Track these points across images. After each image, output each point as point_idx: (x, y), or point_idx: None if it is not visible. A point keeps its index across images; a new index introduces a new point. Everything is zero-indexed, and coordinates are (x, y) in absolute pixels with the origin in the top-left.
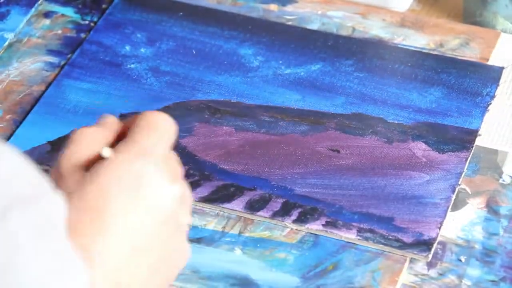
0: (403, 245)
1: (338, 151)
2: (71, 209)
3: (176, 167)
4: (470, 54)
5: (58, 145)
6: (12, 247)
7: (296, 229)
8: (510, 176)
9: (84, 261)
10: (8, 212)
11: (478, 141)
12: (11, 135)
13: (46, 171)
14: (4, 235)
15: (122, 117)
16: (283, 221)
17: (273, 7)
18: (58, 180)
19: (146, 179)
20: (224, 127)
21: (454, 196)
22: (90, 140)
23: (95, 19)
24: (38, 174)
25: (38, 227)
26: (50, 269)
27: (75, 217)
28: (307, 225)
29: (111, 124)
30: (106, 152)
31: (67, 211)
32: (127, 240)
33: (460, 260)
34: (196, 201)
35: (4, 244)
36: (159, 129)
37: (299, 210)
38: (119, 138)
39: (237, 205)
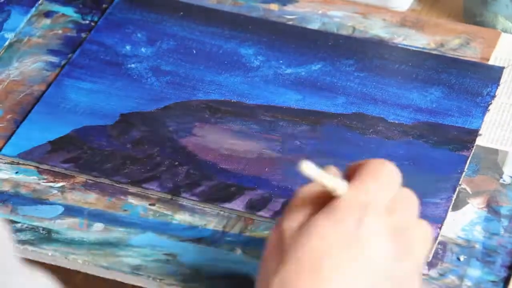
0: None
1: (339, 151)
2: (287, 266)
3: (402, 214)
4: (471, 54)
5: (58, 145)
6: None
7: None
8: (510, 176)
9: None
10: None
11: (479, 141)
12: (11, 135)
13: (47, 171)
14: None
15: (122, 116)
16: None
17: (274, 6)
18: (278, 239)
19: (363, 233)
20: (225, 127)
21: (454, 196)
22: (311, 196)
23: (96, 19)
24: (9, 255)
25: None
26: None
27: (292, 275)
28: None
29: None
30: (342, 187)
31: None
32: None
33: (459, 259)
34: (197, 201)
35: None
36: (383, 175)
37: None
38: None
39: (238, 205)
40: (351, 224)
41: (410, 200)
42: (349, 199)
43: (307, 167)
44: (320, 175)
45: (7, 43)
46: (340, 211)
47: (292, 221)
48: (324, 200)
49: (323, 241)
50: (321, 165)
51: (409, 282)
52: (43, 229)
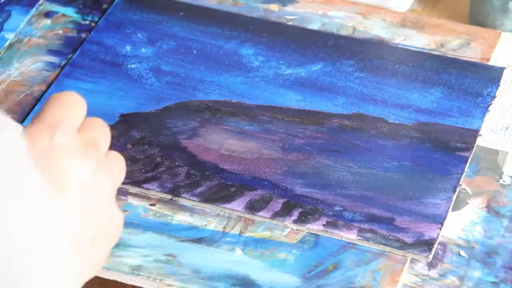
0: (404, 245)
1: (339, 152)
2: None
3: (90, 138)
4: (471, 54)
5: None
6: None
7: (297, 229)
8: (510, 176)
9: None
10: None
11: (479, 142)
12: None
13: None
14: None
15: (122, 117)
16: (283, 221)
17: (274, 7)
18: None
19: (53, 156)
20: (225, 127)
21: (454, 197)
22: None
23: (96, 19)
24: None
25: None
26: (18, 200)
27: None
28: (308, 225)
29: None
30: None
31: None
32: (72, 204)
33: (459, 254)
34: (197, 201)
35: None
36: (66, 105)
37: (300, 210)
38: None
39: (238, 205)
40: (42, 143)
41: (99, 123)
42: (36, 124)
43: None
44: None
45: (7, 43)
46: (28, 136)
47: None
48: None
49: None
50: (322, 165)
51: (109, 201)
52: None
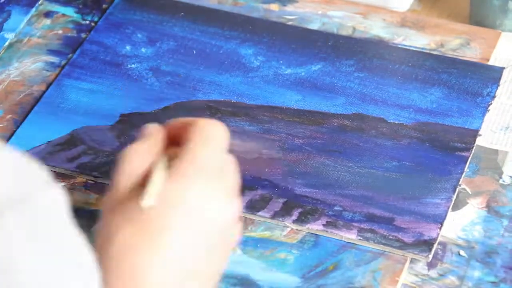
0: (404, 245)
1: (339, 152)
2: (128, 228)
3: (230, 179)
4: (471, 54)
5: (58, 145)
6: (9, 248)
7: (297, 229)
8: (510, 176)
9: (141, 279)
10: (2, 213)
11: (479, 141)
12: (11, 135)
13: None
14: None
15: (122, 117)
16: (283, 221)
17: (274, 7)
18: (116, 197)
19: (198, 203)
20: None
21: (454, 196)
22: (141, 156)
23: (96, 19)
24: (33, 169)
25: (34, 226)
26: (49, 269)
27: (133, 236)
28: (308, 225)
29: (157, 134)
30: (147, 202)
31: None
32: (182, 257)
33: (459, 254)
34: None
35: (2, 247)
36: (214, 139)
37: (300, 210)
38: (169, 143)
39: None
40: (184, 190)
41: (235, 166)
42: (182, 167)
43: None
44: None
45: (7, 43)
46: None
47: (129, 180)
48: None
49: (163, 206)
50: (322, 165)
51: (234, 242)
52: None
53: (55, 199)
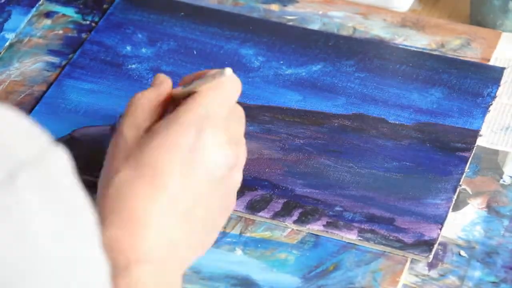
0: (404, 246)
1: (340, 152)
2: (127, 170)
3: (236, 128)
4: (471, 54)
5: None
6: (25, 213)
7: (297, 230)
8: (510, 176)
9: (139, 221)
10: (16, 176)
11: (479, 142)
12: None
13: None
14: (15, 201)
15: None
16: (284, 222)
17: (274, 7)
18: (119, 143)
19: (202, 144)
20: None
21: (455, 197)
22: (149, 104)
23: (96, 19)
24: (35, 129)
25: (47, 188)
26: (64, 232)
27: (132, 178)
28: (308, 226)
29: (166, 84)
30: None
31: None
32: (181, 200)
33: (460, 254)
34: None
35: (17, 211)
36: (225, 90)
37: (300, 210)
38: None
39: (238, 205)
40: (190, 135)
41: (242, 115)
42: (189, 111)
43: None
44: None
45: (7, 43)
46: (180, 124)
47: (135, 128)
48: (164, 108)
49: (163, 149)
50: (322, 165)
51: (235, 190)
52: None
53: (62, 159)
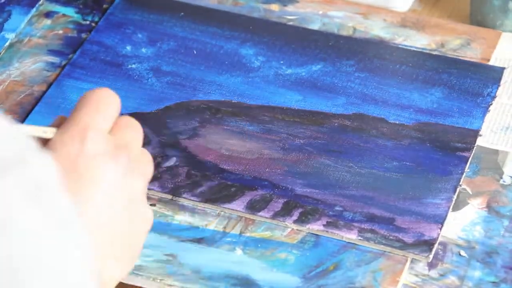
0: (404, 246)
1: (340, 152)
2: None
3: (122, 140)
4: (471, 54)
5: None
6: (9, 209)
7: (297, 229)
8: (510, 176)
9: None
10: (2, 174)
11: (479, 142)
12: None
13: None
14: None
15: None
16: (284, 221)
17: (274, 7)
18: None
19: (84, 162)
20: (225, 128)
21: (455, 197)
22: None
23: (96, 19)
24: (23, 134)
25: (31, 189)
26: (49, 227)
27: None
28: (308, 225)
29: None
30: (49, 132)
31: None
32: (104, 209)
33: (460, 254)
34: (197, 201)
35: (1, 207)
36: (100, 105)
37: (300, 210)
38: None
39: (238, 205)
40: (73, 149)
41: (132, 123)
42: (68, 128)
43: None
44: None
45: (7, 43)
46: (59, 141)
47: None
48: None
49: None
50: (322, 165)
51: (141, 199)
52: None
53: (48, 161)
